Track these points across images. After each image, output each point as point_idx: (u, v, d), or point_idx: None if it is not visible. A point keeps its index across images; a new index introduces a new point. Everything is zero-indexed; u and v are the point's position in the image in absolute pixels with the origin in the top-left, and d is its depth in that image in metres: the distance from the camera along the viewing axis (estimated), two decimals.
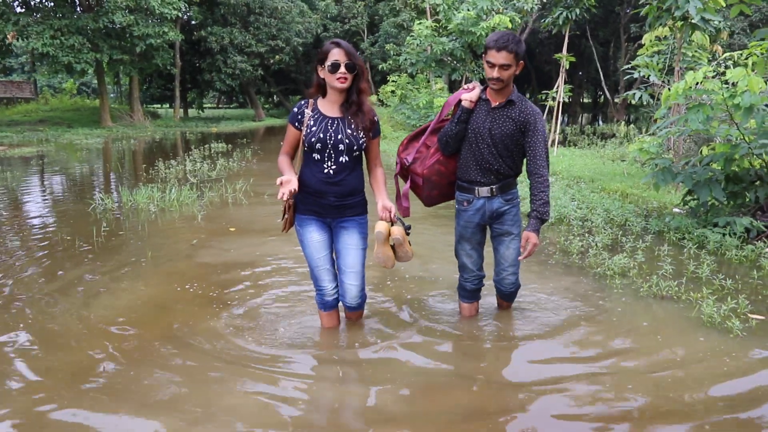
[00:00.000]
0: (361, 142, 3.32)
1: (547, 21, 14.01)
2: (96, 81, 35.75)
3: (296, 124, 3.32)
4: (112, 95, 39.86)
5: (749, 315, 4.01)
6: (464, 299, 3.97)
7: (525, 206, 5.88)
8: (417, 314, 4.09)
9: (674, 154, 9.03)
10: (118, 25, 24.90)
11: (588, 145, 17.94)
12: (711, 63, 10.53)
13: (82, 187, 10.44)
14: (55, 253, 5.65)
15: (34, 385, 3.07)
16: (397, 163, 3.81)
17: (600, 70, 31.50)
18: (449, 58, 19.40)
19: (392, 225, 3.38)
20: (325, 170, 3.30)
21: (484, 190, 3.56)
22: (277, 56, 35.84)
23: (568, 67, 13.45)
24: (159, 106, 46.00)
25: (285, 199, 3.13)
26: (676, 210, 7.47)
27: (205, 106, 44.97)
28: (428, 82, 21.90)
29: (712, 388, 3.06)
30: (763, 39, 6.88)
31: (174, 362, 3.35)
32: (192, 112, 41.63)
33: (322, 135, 3.26)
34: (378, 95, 28.46)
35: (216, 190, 9.14)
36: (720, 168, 6.47)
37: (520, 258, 3.53)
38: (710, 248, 5.67)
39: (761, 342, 3.63)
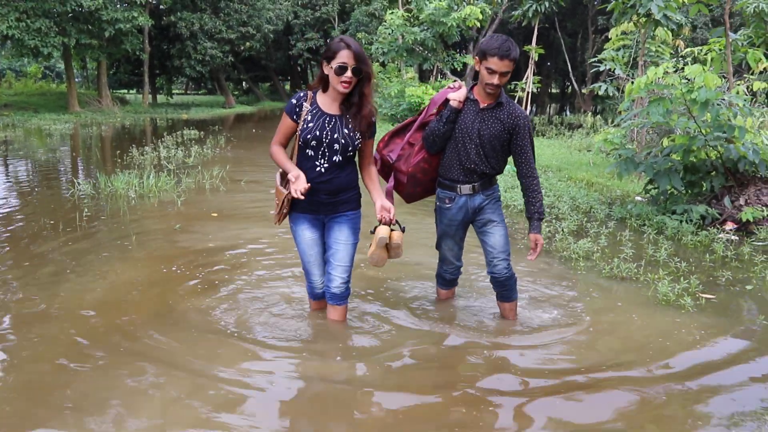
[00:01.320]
0: (356, 143, 3.28)
1: (517, 13, 14.33)
2: (61, 65, 35.17)
3: (294, 116, 3.26)
4: (78, 80, 39.11)
5: (700, 294, 4.36)
6: (442, 287, 4.13)
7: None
8: (397, 299, 4.35)
9: (637, 145, 9.44)
10: (86, 9, 24.50)
11: (556, 135, 18.38)
12: (673, 58, 10.98)
13: (57, 174, 10.45)
14: (40, 237, 5.76)
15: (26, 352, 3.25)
16: (376, 159, 3.73)
17: (568, 61, 32.05)
18: (420, 47, 19.63)
19: (392, 229, 3.37)
20: (317, 168, 3.26)
21: (465, 188, 3.60)
22: (247, 43, 35.64)
23: (536, 59, 13.78)
24: (126, 91, 45.30)
25: (302, 196, 3.07)
26: (638, 198, 7.86)
27: (174, 92, 44.47)
28: (399, 71, 22.09)
29: (660, 358, 3.39)
30: (720, 37, 7.27)
31: (160, 337, 3.55)
32: (161, 98, 41.17)
33: (318, 132, 3.20)
34: None
35: (193, 177, 9.27)
36: (679, 159, 6.86)
37: (529, 258, 3.64)
38: (668, 234, 6.05)
39: (709, 318, 3.98)
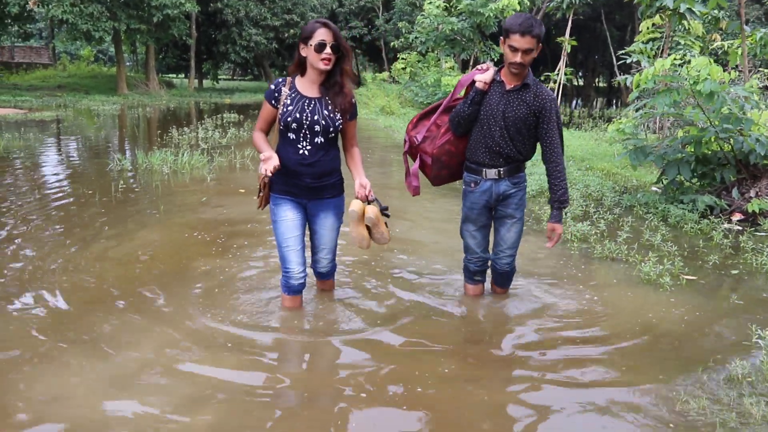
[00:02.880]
0: (337, 123, 3.29)
1: (551, 5, 14.39)
2: (112, 49, 36.39)
3: (272, 101, 3.29)
4: (128, 64, 40.42)
5: (682, 275, 4.57)
6: (468, 280, 4.00)
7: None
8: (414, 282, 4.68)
9: (660, 136, 9.52)
10: None
11: (592, 127, 18.34)
12: (704, 51, 10.96)
13: (99, 150, 11.08)
14: (78, 204, 6.29)
15: (67, 302, 3.71)
16: (405, 141, 3.78)
17: (614, 54, 31.62)
18: (459, 37, 19.79)
19: (369, 204, 3.36)
20: (300, 151, 3.28)
21: (491, 172, 3.55)
22: (291, 30, 36.23)
23: (569, 51, 13.85)
24: (174, 75, 46.58)
25: (269, 175, 3.13)
26: (653, 188, 7.99)
27: (219, 77, 45.50)
28: (438, 60, 22.30)
29: (629, 328, 3.65)
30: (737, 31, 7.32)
31: (169, 289, 3.99)
32: (207, 83, 42.20)
33: (298, 115, 3.22)
34: (390, 72, 28.87)
35: (225, 156, 9.75)
36: (691, 150, 6.98)
37: (547, 246, 3.64)
38: (671, 222, 6.21)
39: (686, 296, 4.20)
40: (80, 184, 7.35)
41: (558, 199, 3.51)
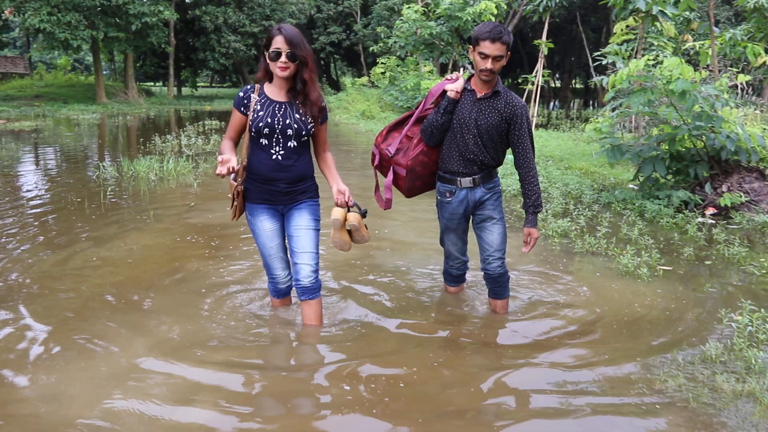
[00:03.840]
0: (309, 127, 3.27)
1: (528, 8, 14.66)
2: (89, 57, 36.17)
3: (242, 108, 3.24)
4: (105, 72, 40.19)
5: (659, 266, 4.78)
6: (450, 283, 4.11)
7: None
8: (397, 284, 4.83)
9: (636, 135, 9.78)
10: (114, 3, 25.31)
11: (570, 128, 18.66)
12: (676, 52, 11.27)
13: (84, 159, 11.10)
14: (68, 212, 6.35)
15: (66, 299, 3.81)
16: (374, 155, 3.76)
17: (590, 56, 32.08)
18: (438, 41, 20.02)
19: (348, 210, 3.40)
20: (273, 156, 3.24)
21: (466, 181, 3.57)
22: None
23: (546, 53, 14.11)
24: (153, 84, 46.38)
25: (222, 174, 3.03)
26: (631, 186, 8.22)
27: (198, 84, 45.40)
28: (417, 64, 22.52)
29: (595, 307, 3.84)
30: (706, 32, 7.60)
31: (162, 289, 4.10)
32: (185, 90, 42.11)
33: (270, 120, 3.19)
34: (369, 77, 29.06)
35: (210, 162, 9.83)
36: (665, 148, 7.23)
37: (524, 251, 3.62)
38: (648, 216, 6.44)
39: (663, 285, 4.40)
40: (68, 192, 7.40)
41: (533, 203, 3.56)
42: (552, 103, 41.38)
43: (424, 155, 3.64)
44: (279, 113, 3.21)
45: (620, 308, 3.97)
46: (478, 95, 3.47)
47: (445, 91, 3.52)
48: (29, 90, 30.88)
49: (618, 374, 3.05)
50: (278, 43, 3.08)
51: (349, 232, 3.46)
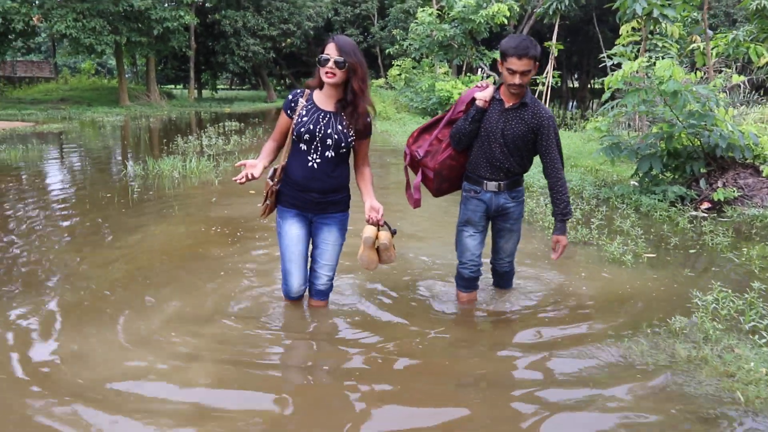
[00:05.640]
0: (350, 140, 3.31)
1: (538, 11, 15.00)
2: (112, 61, 37.08)
3: (288, 111, 3.32)
4: (128, 75, 41.13)
5: (644, 254, 5.14)
6: (461, 288, 3.99)
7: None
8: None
9: (633, 132, 10.10)
10: (137, 9, 26.06)
11: (583, 128, 18.91)
12: (682, 53, 11.56)
13: (111, 158, 11.69)
14: (100, 206, 6.87)
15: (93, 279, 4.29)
16: (406, 154, 3.86)
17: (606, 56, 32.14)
18: (453, 43, 20.40)
19: (379, 229, 3.42)
20: (310, 163, 3.29)
21: (492, 185, 3.64)
22: (288, 39, 36.99)
23: (557, 54, 14.44)
24: (174, 86, 47.29)
25: (241, 182, 3.17)
26: (632, 182, 8.56)
27: (218, 87, 46.25)
28: (432, 66, 22.91)
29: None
30: (700, 34, 7.90)
31: (185, 270, 4.58)
32: (206, 93, 42.93)
33: (312, 126, 3.24)
34: (386, 78, 29.53)
35: (230, 161, 10.33)
36: (663, 145, 7.56)
37: (553, 257, 3.77)
38: (643, 210, 6.79)
39: (645, 271, 4.77)
40: (98, 189, 7.93)
41: (561, 211, 3.64)
42: (570, 104, 41.50)
43: (451, 159, 3.75)
44: (322, 122, 3.26)
45: (602, 290, 4.35)
46: (506, 105, 3.55)
47: (474, 99, 3.60)
48: (55, 93, 31.76)
49: (589, 342, 3.44)
50: (329, 49, 3.14)
51: (377, 250, 3.50)
